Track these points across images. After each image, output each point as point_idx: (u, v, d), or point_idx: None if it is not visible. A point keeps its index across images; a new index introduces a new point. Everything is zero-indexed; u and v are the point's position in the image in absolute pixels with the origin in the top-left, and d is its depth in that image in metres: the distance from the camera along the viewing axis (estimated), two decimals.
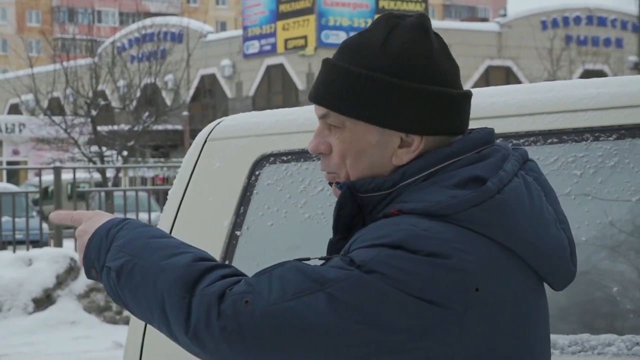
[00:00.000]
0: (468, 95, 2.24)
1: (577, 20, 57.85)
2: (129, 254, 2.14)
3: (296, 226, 3.39)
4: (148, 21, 41.27)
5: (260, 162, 3.50)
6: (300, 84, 52.47)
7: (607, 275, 2.95)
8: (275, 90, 54.63)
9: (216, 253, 3.46)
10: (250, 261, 3.42)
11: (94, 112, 27.51)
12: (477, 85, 49.35)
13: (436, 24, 57.74)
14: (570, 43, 53.78)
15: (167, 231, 3.57)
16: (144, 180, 34.46)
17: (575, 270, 2.27)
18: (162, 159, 39.90)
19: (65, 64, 29.48)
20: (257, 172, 3.49)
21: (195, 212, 3.55)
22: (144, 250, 2.13)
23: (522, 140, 3.09)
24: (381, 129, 2.17)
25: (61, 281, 13.83)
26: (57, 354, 12.31)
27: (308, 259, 2.12)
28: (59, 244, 15.73)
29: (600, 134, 3.03)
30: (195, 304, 2.04)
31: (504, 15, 61.13)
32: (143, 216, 17.51)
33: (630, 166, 2.97)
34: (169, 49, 34.24)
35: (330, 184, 2.29)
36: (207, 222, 3.51)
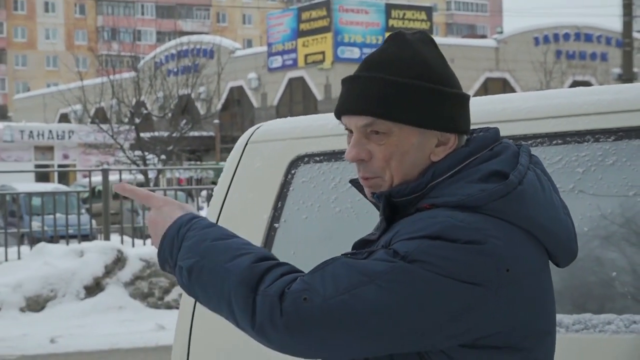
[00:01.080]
0: (469, 97, 2.31)
1: (567, 36, 57.68)
2: (198, 254, 2.14)
3: (328, 219, 3.39)
4: (185, 39, 41.25)
5: (295, 162, 3.50)
6: (319, 94, 52.43)
7: (606, 262, 2.95)
8: (297, 100, 54.58)
9: (257, 243, 3.46)
10: (287, 250, 3.43)
11: (137, 120, 27.54)
12: (477, 95, 49.24)
13: (440, 40, 57.65)
14: (560, 57, 53.62)
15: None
16: (179, 181, 34.51)
17: (577, 250, 2.32)
18: (196, 162, 39.90)
19: (111, 77, 29.54)
20: (292, 171, 3.49)
21: (238, 206, 3.56)
22: (211, 252, 2.13)
23: (529, 142, 3.09)
24: (422, 130, 2.20)
25: (109, 270, 13.85)
26: (105, 335, 12.32)
27: (355, 253, 2.15)
28: (107, 238, 15.76)
29: (600, 135, 3.03)
30: (259, 303, 2.05)
31: (501, 32, 60.95)
32: None
33: (627, 164, 2.97)
34: (202, 64, 34.25)
35: (358, 186, 2.32)
36: (248, 216, 3.52)
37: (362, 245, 2.26)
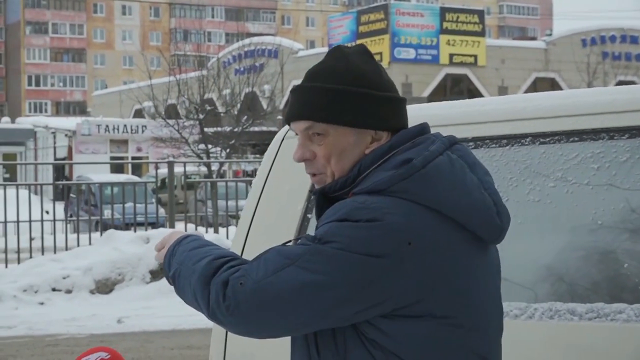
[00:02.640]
0: (405, 99, 2.44)
1: (613, 38, 57.03)
2: (178, 263, 2.39)
3: None
4: (247, 40, 41.41)
5: None
6: None
7: (620, 253, 2.92)
8: None
9: (291, 232, 3.47)
10: None
11: (201, 116, 27.67)
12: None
13: (491, 41, 57.36)
14: (606, 59, 53.03)
15: (251, 213, 3.60)
16: (244, 173, 34.66)
17: (502, 225, 2.36)
18: (258, 156, 40.08)
19: (177, 76, 29.74)
20: None
21: (275, 198, 3.57)
22: (186, 259, 2.37)
23: (548, 139, 3.07)
24: (357, 130, 2.35)
25: None
26: (169, 316, 12.41)
27: (289, 242, 2.36)
28: (172, 225, 15.87)
29: (614, 133, 3.00)
30: (211, 291, 2.27)
31: (550, 34, 60.46)
32: (241, 203, 17.61)
33: None
34: (265, 63, 34.36)
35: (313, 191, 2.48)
36: (284, 207, 3.53)
37: None
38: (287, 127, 3.70)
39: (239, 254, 3.58)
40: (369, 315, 2.22)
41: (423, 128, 2.40)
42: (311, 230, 3.44)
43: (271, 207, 3.56)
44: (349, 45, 2.46)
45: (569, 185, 3.00)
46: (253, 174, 34.37)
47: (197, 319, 12.26)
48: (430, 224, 2.24)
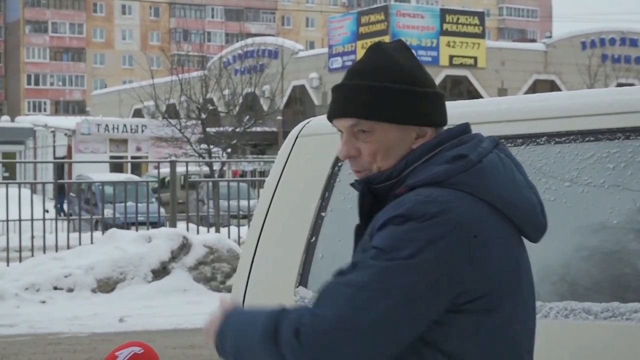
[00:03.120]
0: (444, 95, 2.44)
1: (612, 41, 57.01)
2: (233, 341, 2.28)
3: None
4: (249, 40, 41.41)
5: None
6: None
7: (636, 253, 2.92)
8: None
9: (305, 230, 3.48)
10: (333, 237, 3.44)
11: (203, 116, 27.69)
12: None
13: (491, 43, 57.36)
14: (605, 61, 53.01)
15: (264, 211, 3.60)
16: (243, 173, 34.64)
17: (546, 224, 2.40)
18: (259, 155, 40.07)
19: (180, 76, 29.74)
20: (339, 164, 3.50)
21: (288, 196, 3.57)
22: (239, 336, 2.27)
23: (563, 138, 3.07)
24: (400, 126, 2.34)
25: (175, 255, 13.95)
26: (171, 315, 12.40)
27: (343, 268, 2.24)
28: (173, 225, 15.87)
29: (630, 133, 3.00)
30: (282, 347, 2.17)
31: (550, 37, 60.41)
32: (243, 203, 17.61)
33: None
34: (266, 64, 34.34)
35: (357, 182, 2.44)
36: (297, 204, 3.53)
37: (357, 234, 2.42)
38: (301, 124, 3.72)
39: (251, 253, 3.58)
40: (443, 311, 2.20)
41: (467, 127, 2.42)
42: (327, 230, 3.44)
43: (285, 205, 3.57)
44: (387, 41, 2.44)
45: (582, 185, 3.01)
46: (253, 174, 34.34)
47: (199, 318, 12.25)
48: (488, 217, 2.25)
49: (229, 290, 13.73)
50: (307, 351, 2.13)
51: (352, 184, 2.45)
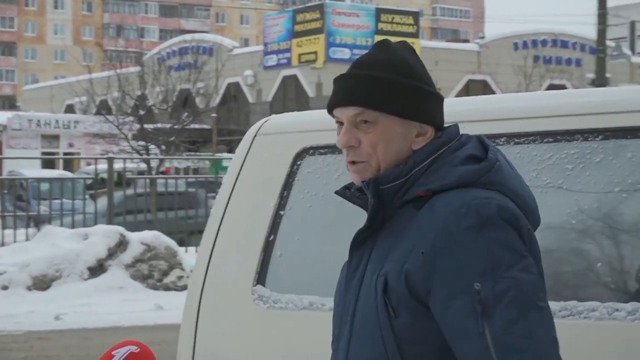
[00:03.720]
0: (443, 98, 2.48)
1: (544, 42, 57.69)
2: None
3: (331, 208, 3.39)
4: (188, 36, 41.20)
5: (301, 154, 3.51)
6: (311, 92, 52.39)
7: (592, 253, 2.96)
8: (290, 97, 54.52)
9: (263, 229, 3.47)
10: (292, 235, 3.44)
11: (141, 112, 27.50)
12: (458, 95, 49.27)
13: (425, 43, 57.71)
14: (538, 62, 53.61)
15: (222, 210, 3.58)
16: (177, 170, 34.43)
17: (540, 218, 2.48)
18: (195, 153, 39.86)
19: (118, 71, 29.48)
20: (298, 162, 3.50)
21: (246, 194, 3.56)
22: None
23: (523, 140, 3.11)
24: (405, 120, 2.35)
25: (112, 253, 13.85)
26: (107, 313, 12.32)
27: (478, 332, 2.18)
28: (109, 222, 15.75)
29: (588, 135, 3.05)
30: None
31: (483, 37, 60.88)
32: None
33: (614, 162, 2.99)
34: (205, 61, 34.18)
35: (344, 195, 2.48)
36: (256, 203, 3.53)
37: (359, 240, 2.40)
38: (259, 123, 3.71)
39: (209, 252, 3.57)
40: None
41: (458, 127, 2.46)
42: (285, 229, 3.44)
43: (243, 203, 3.56)
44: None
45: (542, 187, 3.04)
46: (187, 171, 34.16)
47: (136, 316, 12.20)
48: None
49: (166, 288, 13.66)
50: None
51: (337, 192, 2.50)
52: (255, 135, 3.63)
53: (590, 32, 54.62)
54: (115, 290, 13.44)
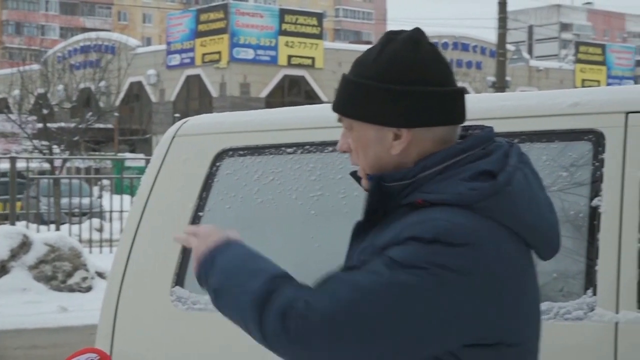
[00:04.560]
0: (456, 91, 2.28)
1: (445, 45, 58.43)
2: (223, 276, 2.18)
3: (250, 209, 3.41)
4: (93, 35, 40.67)
5: (220, 155, 3.50)
6: (214, 92, 52.22)
7: None
8: (193, 97, 54.27)
9: (182, 230, 3.45)
10: None
11: (45, 111, 27.08)
12: None
13: (329, 44, 57.98)
14: None
15: (140, 211, 3.56)
16: (78, 170, 34.02)
17: (559, 246, 2.32)
18: (98, 152, 39.42)
19: (20, 69, 28.98)
20: (217, 164, 3.50)
21: (165, 196, 3.54)
22: (233, 275, 2.17)
23: None
24: (377, 126, 2.21)
25: (14, 254, 13.59)
26: (10, 315, 12.09)
27: (352, 265, 2.14)
28: (12, 223, 15.48)
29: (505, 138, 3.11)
30: (267, 321, 2.08)
31: None
32: (80, 200, 17.29)
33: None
34: (106, 59, 33.78)
35: (356, 176, 2.33)
36: (174, 205, 3.51)
37: (357, 232, 2.28)
38: (178, 124, 3.70)
39: (127, 253, 3.55)
40: (452, 347, 2.08)
41: (491, 132, 2.27)
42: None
43: (161, 205, 3.54)
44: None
45: None
46: (88, 171, 33.76)
47: (40, 318, 12.01)
48: (511, 248, 2.14)
49: (70, 289, 13.48)
50: (288, 337, 2.05)
51: (351, 173, 2.33)
52: (173, 137, 3.61)
53: (490, 35, 55.59)
54: (18, 292, 13.20)
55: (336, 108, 2.27)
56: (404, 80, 2.18)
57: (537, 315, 2.26)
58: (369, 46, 2.34)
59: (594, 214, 2.92)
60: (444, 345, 2.07)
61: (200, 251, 2.25)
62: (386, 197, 2.21)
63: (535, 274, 2.26)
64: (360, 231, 2.27)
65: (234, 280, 2.16)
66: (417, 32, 2.27)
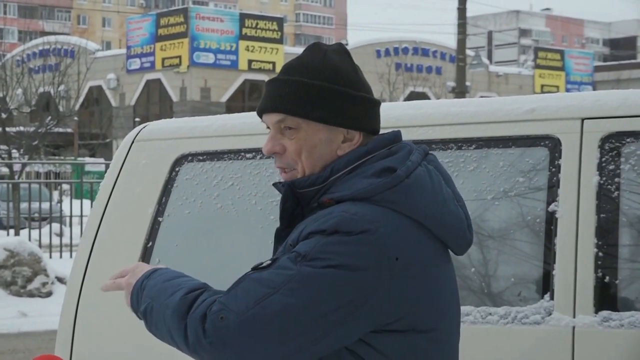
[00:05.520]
0: (380, 102, 2.41)
1: (406, 50, 58.62)
2: (150, 297, 2.28)
3: (210, 214, 3.41)
4: (52, 38, 40.39)
5: (179, 161, 3.51)
6: (175, 96, 52.04)
7: (468, 259, 3.04)
8: (153, 101, 54.06)
9: (141, 236, 3.46)
10: (170, 242, 3.44)
11: (3, 115, 26.86)
12: None
13: (290, 49, 57.97)
14: (399, 69, 54.43)
15: (99, 216, 3.55)
16: (38, 175, 33.77)
17: (471, 238, 2.41)
18: (58, 157, 39.15)
19: None
20: (177, 169, 3.50)
21: (124, 201, 3.53)
22: (158, 294, 2.27)
23: None
24: (329, 127, 2.31)
25: None
26: None
27: (262, 264, 2.21)
28: None
29: (462, 144, 3.13)
30: (188, 328, 2.17)
31: (346, 44, 61.60)
32: (39, 205, 17.18)
33: (486, 171, 3.08)
34: (69, 64, 33.53)
35: (280, 183, 2.40)
36: (134, 210, 3.51)
37: (278, 237, 2.37)
38: (137, 129, 3.69)
39: (86, 258, 3.54)
40: (363, 332, 2.17)
41: (397, 135, 2.38)
42: (164, 235, 3.44)
43: (120, 210, 3.53)
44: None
45: None
46: (48, 176, 33.53)
47: (0, 323, 11.91)
48: (412, 235, 2.23)
49: (30, 295, 13.38)
50: (209, 339, 2.13)
51: (274, 184, 2.41)
52: (133, 141, 3.61)
53: (450, 41, 55.86)
54: None
55: (282, 108, 2.32)
56: (355, 86, 2.34)
57: (453, 308, 2.36)
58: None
59: (550, 219, 2.95)
60: (354, 329, 2.16)
61: (131, 284, 2.35)
62: (299, 201, 2.32)
63: (450, 269, 2.37)
64: (281, 236, 2.36)
65: (158, 299, 2.25)
66: (344, 46, 2.42)
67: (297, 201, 2.33)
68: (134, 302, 2.32)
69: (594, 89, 37.63)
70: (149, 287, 2.29)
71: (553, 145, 3.01)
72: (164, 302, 2.22)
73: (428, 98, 49.69)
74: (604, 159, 2.95)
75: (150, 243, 3.45)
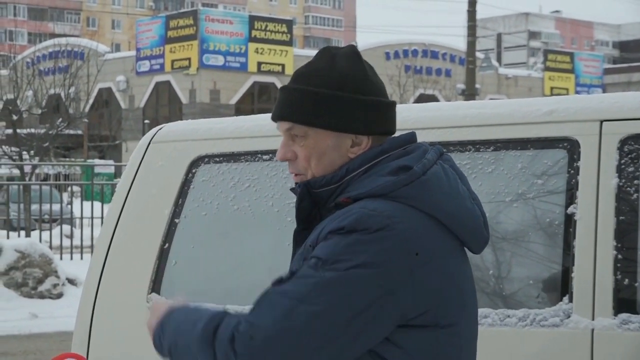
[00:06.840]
0: (394, 103, 2.42)
1: (415, 52, 58.59)
2: (173, 334, 2.27)
3: (226, 216, 3.41)
4: (63, 40, 40.44)
5: (196, 162, 3.51)
6: (184, 98, 52.09)
7: (485, 262, 3.04)
8: (162, 103, 54.12)
9: (158, 237, 3.46)
10: (186, 244, 3.44)
11: (15, 117, 26.91)
12: None
13: (299, 51, 57.99)
14: (408, 72, 54.39)
15: (116, 218, 3.55)
16: (48, 176, 33.82)
17: (488, 236, 2.42)
18: (68, 159, 39.22)
19: None
20: (193, 170, 3.50)
21: (141, 202, 3.54)
22: (181, 329, 2.25)
23: None
24: (336, 133, 2.33)
25: None
26: None
27: (282, 277, 2.21)
28: None
29: (480, 146, 3.13)
30: (217, 353, 2.15)
31: (355, 46, 61.49)
32: (48, 206, 17.20)
33: (504, 173, 3.07)
34: (77, 66, 33.56)
35: (297, 185, 2.41)
36: (150, 211, 3.51)
37: (297, 239, 2.39)
38: (153, 130, 3.69)
39: (102, 260, 3.54)
40: (392, 328, 2.18)
41: (412, 136, 2.40)
42: (180, 236, 3.43)
43: (137, 212, 3.53)
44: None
45: None
46: (57, 177, 33.59)
47: (10, 325, 11.93)
48: (431, 231, 2.24)
49: (41, 296, 13.41)
50: (241, 359, 2.11)
51: (292, 189, 2.42)
52: (149, 143, 3.61)
53: (459, 43, 55.84)
54: None
55: (290, 117, 2.35)
56: (362, 91, 2.34)
57: (472, 304, 2.37)
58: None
59: (569, 222, 2.94)
60: (384, 326, 2.16)
61: (152, 324, 2.36)
62: (316, 202, 2.34)
63: (468, 268, 2.38)
64: (299, 238, 2.37)
65: (182, 334, 2.25)
66: (355, 48, 2.42)
67: (313, 202, 2.35)
68: (156, 342, 2.33)
69: (604, 92, 37.55)
70: (169, 327, 2.30)
71: (571, 147, 3.00)
72: (187, 336, 2.22)
73: (438, 100, 49.70)
74: (622, 161, 2.94)
75: (167, 244, 3.45)
